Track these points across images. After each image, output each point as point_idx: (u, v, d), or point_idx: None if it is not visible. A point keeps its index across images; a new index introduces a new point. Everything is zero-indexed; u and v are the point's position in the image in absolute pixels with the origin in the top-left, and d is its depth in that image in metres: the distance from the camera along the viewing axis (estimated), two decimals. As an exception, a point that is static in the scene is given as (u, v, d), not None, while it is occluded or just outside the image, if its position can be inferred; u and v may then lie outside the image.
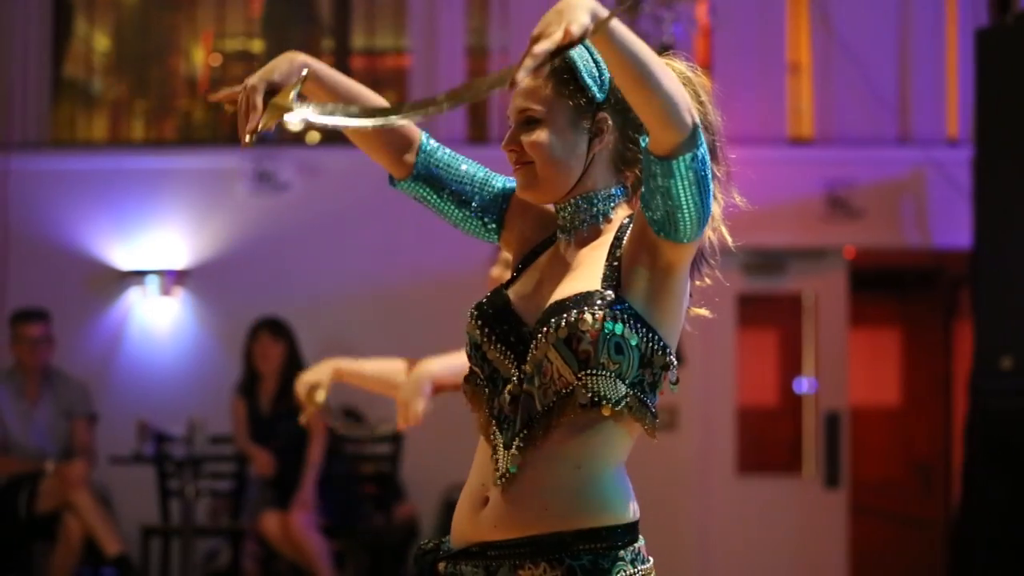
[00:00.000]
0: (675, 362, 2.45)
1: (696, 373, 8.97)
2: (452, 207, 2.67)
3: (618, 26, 2.18)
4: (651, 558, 2.47)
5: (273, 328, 8.19)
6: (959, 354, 9.97)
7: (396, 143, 2.67)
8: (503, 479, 2.41)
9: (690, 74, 2.54)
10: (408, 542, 8.70)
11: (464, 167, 2.67)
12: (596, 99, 2.49)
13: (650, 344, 2.41)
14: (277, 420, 8.02)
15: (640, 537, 2.46)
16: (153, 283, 9.03)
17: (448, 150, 2.69)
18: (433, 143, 2.68)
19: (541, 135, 2.48)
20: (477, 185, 2.67)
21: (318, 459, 7.92)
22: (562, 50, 2.09)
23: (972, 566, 7.62)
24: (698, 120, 2.31)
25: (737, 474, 9.22)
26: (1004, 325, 7.47)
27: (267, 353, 8.14)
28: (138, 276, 9.05)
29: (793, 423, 9.43)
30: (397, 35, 9.62)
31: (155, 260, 9.06)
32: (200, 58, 10.04)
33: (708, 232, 2.52)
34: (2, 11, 9.35)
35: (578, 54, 2.48)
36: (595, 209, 2.52)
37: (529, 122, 2.50)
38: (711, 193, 2.36)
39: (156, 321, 9.09)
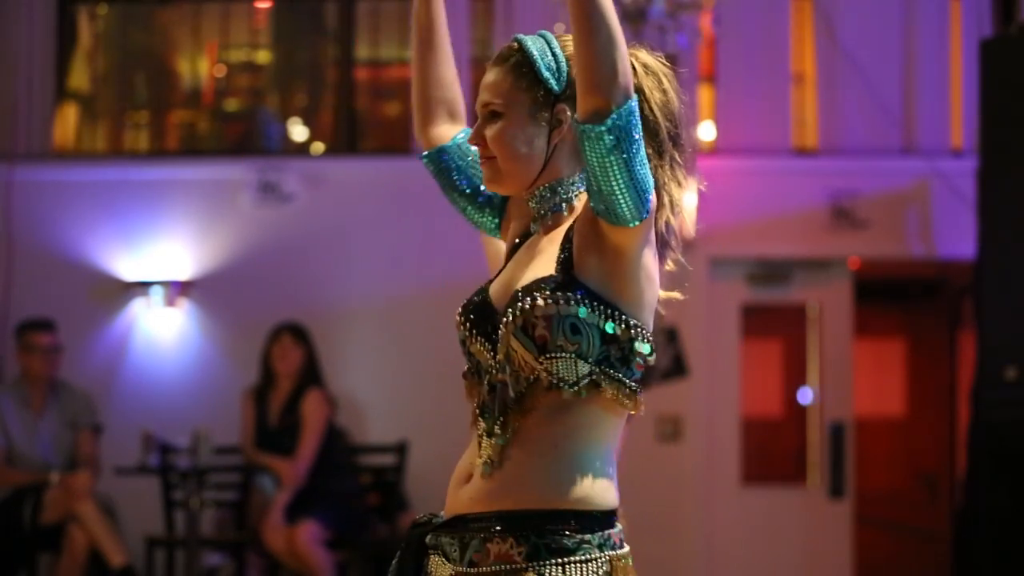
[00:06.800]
0: (644, 333, 2.46)
1: (701, 383, 8.98)
2: (458, 197, 2.79)
3: None
4: (626, 545, 2.49)
5: (294, 332, 8.26)
6: (963, 364, 9.96)
7: (435, 104, 2.81)
8: (487, 466, 2.47)
9: (653, 62, 2.60)
10: (412, 553, 8.69)
11: None
12: (554, 91, 2.55)
13: (607, 318, 2.42)
14: (283, 433, 8.04)
15: (616, 524, 2.48)
16: (157, 294, 9.03)
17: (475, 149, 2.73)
18: (463, 142, 2.77)
19: (501, 128, 2.55)
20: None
21: (292, 481, 7.91)
22: None
23: (977, 577, 7.61)
24: (632, 98, 2.35)
25: (742, 484, 9.21)
26: (1008, 336, 7.47)
27: (286, 355, 8.19)
28: (142, 287, 9.05)
29: (798, 433, 9.42)
30: (402, 46, 9.63)
31: (159, 271, 9.06)
32: (205, 69, 10.05)
33: (668, 216, 2.55)
34: (6, 22, 9.37)
35: (537, 47, 2.56)
36: (558, 197, 2.58)
37: (492, 115, 2.57)
38: (642, 173, 2.37)
39: (160, 332, 9.09)
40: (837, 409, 9.28)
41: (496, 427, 2.47)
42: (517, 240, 2.68)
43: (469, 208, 2.77)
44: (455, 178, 2.76)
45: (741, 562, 9.15)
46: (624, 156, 2.33)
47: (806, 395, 9.44)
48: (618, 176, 2.34)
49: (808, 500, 9.25)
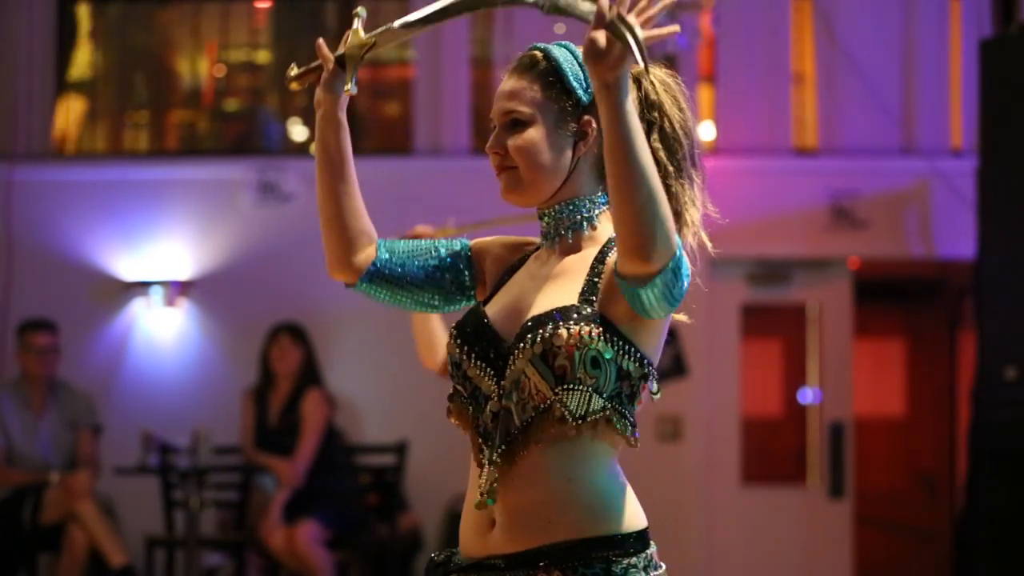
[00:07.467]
0: (654, 372, 2.45)
1: (701, 383, 8.98)
2: (416, 290, 2.69)
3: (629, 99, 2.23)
4: (663, 564, 2.49)
5: (293, 332, 8.27)
6: (963, 364, 9.95)
7: (356, 236, 2.71)
8: (483, 496, 2.41)
9: (670, 80, 2.57)
10: (412, 552, 8.70)
11: (422, 242, 2.71)
12: (582, 102, 2.49)
13: (627, 357, 2.40)
14: (282, 433, 8.04)
15: (651, 543, 2.47)
16: (157, 294, 9.03)
17: (402, 241, 2.73)
18: (390, 244, 2.72)
19: (526, 137, 2.49)
20: (442, 254, 2.69)
21: (291, 481, 7.91)
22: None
23: (977, 577, 7.61)
24: (676, 253, 2.30)
25: (741, 484, 9.21)
26: (1008, 336, 7.46)
27: (285, 355, 8.20)
28: (142, 287, 9.05)
29: (797, 433, 9.42)
30: (401, 46, 9.63)
31: (159, 271, 9.06)
32: (205, 68, 10.05)
33: (687, 236, 2.52)
34: (6, 21, 9.37)
35: (563, 57, 2.51)
36: (579, 216, 2.51)
37: (515, 124, 2.51)
38: (679, 294, 2.35)
39: (160, 332, 9.09)
40: (837, 409, 9.28)
41: (496, 456, 2.42)
42: (506, 270, 2.63)
43: (433, 292, 2.69)
44: (409, 276, 2.68)
45: (741, 562, 9.15)
46: (665, 295, 2.33)
47: (806, 395, 9.44)
48: (655, 304, 2.34)
49: (808, 500, 9.25)
